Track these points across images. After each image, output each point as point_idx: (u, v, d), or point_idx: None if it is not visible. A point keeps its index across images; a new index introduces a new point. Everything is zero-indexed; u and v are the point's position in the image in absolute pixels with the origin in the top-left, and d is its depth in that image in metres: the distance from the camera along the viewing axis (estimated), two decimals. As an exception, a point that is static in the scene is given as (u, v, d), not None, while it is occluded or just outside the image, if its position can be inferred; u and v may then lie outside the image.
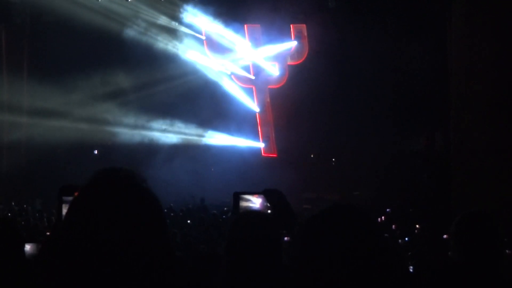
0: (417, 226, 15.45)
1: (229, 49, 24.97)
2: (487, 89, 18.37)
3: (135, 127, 24.89)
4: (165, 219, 1.95)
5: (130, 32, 23.78)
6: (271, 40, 24.51)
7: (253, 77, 25.17)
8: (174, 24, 24.54)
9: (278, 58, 24.87)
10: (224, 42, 24.79)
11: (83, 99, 24.16)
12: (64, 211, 3.01)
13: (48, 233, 12.94)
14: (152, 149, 24.38)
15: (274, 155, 24.94)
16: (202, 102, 24.54)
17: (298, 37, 24.56)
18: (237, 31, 24.49)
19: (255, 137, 25.16)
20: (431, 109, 21.97)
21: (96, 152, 25.37)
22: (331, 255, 2.03)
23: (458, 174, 19.18)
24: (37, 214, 17.82)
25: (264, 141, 25.18)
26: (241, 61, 25.10)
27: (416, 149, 22.51)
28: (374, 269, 2.02)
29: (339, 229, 2.07)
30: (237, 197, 3.72)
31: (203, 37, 24.93)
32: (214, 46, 24.99)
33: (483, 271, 3.57)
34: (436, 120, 21.98)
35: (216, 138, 25.12)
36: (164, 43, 24.52)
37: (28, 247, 4.12)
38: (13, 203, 20.53)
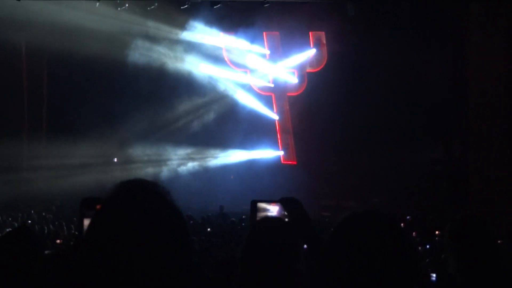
0: (437, 232, 15.37)
1: (248, 58, 25.00)
2: (504, 97, 18.31)
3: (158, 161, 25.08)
4: (188, 232, 1.95)
5: (136, 56, 23.91)
6: (290, 47, 24.52)
7: (272, 85, 25.17)
8: (184, 36, 24.53)
9: (297, 65, 24.87)
10: (243, 50, 24.83)
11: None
12: (86, 223, 3.03)
13: (67, 243, 13.00)
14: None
15: (293, 163, 24.90)
16: (223, 124, 24.72)
17: (317, 44, 24.54)
18: (256, 38, 24.51)
19: (275, 145, 25.14)
20: (449, 117, 21.89)
21: (116, 160, 25.44)
22: (360, 261, 2.07)
23: (477, 181, 19.10)
24: (56, 222, 17.89)
25: (283, 148, 25.14)
26: (260, 70, 25.12)
27: (435, 157, 22.41)
28: (404, 275, 2.06)
29: (370, 235, 2.11)
30: (254, 205, 3.73)
31: (222, 46, 24.99)
32: (233, 54, 25.03)
33: (480, 278, 3.59)
34: (455, 128, 21.89)
35: (236, 156, 25.13)
36: (174, 61, 24.58)
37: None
38: (32, 212, 20.60)
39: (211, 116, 25.20)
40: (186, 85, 24.56)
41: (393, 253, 2.08)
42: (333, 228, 2.21)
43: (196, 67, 24.77)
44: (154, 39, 24.42)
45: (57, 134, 23.75)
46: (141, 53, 24.18)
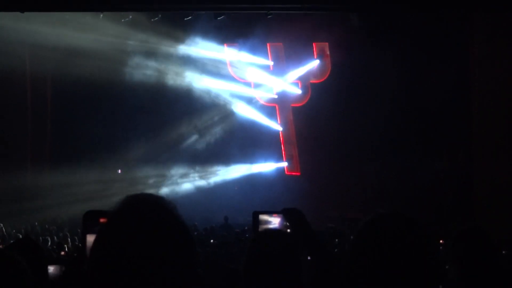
0: (441, 241, 15.35)
1: (252, 71, 25.02)
2: (509, 108, 18.30)
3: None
4: (194, 246, 1.95)
5: (138, 75, 23.97)
6: (294, 58, 24.54)
7: (275, 96, 25.18)
8: (186, 51, 24.53)
9: (301, 76, 24.88)
10: (247, 63, 24.84)
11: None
12: (88, 237, 3.02)
13: (71, 256, 12.98)
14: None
15: (297, 174, 24.88)
16: (226, 139, 24.83)
17: (321, 55, 24.54)
18: (259, 50, 24.52)
19: (278, 156, 25.11)
20: (453, 126, 21.87)
21: (119, 171, 25.42)
22: (385, 262, 2.12)
23: (481, 190, 19.09)
24: (60, 234, 17.91)
25: (287, 159, 25.12)
26: (265, 83, 25.13)
27: (439, 166, 22.37)
28: (427, 276, 2.13)
29: (394, 237, 2.17)
30: (256, 216, 3.73)
31: (227, 60, 25.02)
32: (237, 68, 25.05)
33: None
34: (459, 138, 21.88)
35: (239, 170, 25.11)
36: (177, 77, 24.62)
37: (51, 269, 4.12)
38: (36, 223, 20.61)
39: (215, 132, 25.18)
40: (188, 101, 24.57)
41: (417, 254, 2.13)
42: (359, 229, 2.25)
43: (199, 81, 24.78)
44: (156, 55, 24.44)
45: (60, 160, 23.83)
46: (143, 72, 24.20)
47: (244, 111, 25.16)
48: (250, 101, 25.27)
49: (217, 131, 25.16)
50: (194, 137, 25.24)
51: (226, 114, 25.34)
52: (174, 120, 24.70)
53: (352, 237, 2.33)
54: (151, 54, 24.36)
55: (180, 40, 24.01)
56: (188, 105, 24.58)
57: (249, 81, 25.20)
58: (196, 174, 25.25)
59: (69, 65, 22.69)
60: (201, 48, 24.36)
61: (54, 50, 22.36)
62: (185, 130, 25.11)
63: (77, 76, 22.67)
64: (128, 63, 24.00)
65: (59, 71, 23.38)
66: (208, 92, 24.90)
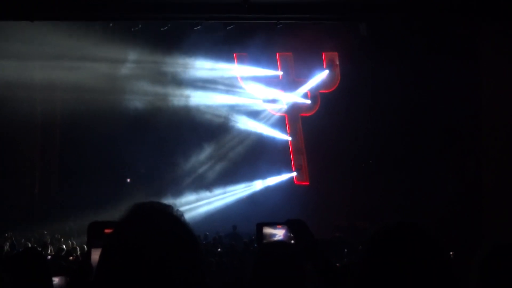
0: (451, 253, 15.31)
1: (261, 80, 25.02)
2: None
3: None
4: (202, 254, 1.95)
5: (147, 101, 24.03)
6: (303, 68, 24.54)
7: (285, 106, 25.19)
8: (194, 66, 24.55)
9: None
10: (257, 73, 24.86)
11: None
12: (93, 249, 3.03)
13: (76, 267, 13.01)
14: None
15: (306, 183, 24.86)
16: (238, 160, 24.81)
17: (330, 65, 24.54)
18: (269, 59, 24.54)
19: (288, 165, 25.08)
20: (462, 137, 21.81)
21: (128, 180, 25.45)
22: (398, 275, 2.11)
23: (490, 201, 19.02)
24: (69, 242, 17.96)
25: (296, 169, 25.11)
26: (274, 91, 25.14)
27: (448, 177, 22.30)
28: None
29: (407, 249, 2.17)
30: (260, 228, 3.74)
31: (237, 75, 25.04)
32: (248, 84, 25.06)
33: None
34: (468, 149, 21.80)
35: (252, 187, 25.04)
36: (185, 99, 24.62)
37: (56, 280, 4.12)
38: (45, 232, 20.67)
39: (227, 153, 25.14)
40: (196, 123, 24.56)
41: (430, 266, 2.14)
42: (369, 240, 2.25)
43: (209, 99, 24.78)
44: (163, 79, 24.49)
45: (68, 170, 23.92)
46: (148, 99, 24.24)
47: (254, 126, 25.12)
48: (259, 115, 25.19)
49: (229, 153, 25.08)
50: (207, 165, 25.08)
51: (236, 133, 25.29)
52: (184, 144, 24.59)
53: (361, 247, 2.33)
54: (156, 79, 24.42)
55: (186, 53, 24.02)
56: (196, 127, 24.49)
57: (259, 95, 25.15)
58: (211, 197, 25.02)
59: (77, 95, 22.79)
60: (210, 61, 24.41)
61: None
62: (195, 157, 24.99)
63: (84, 104, 22.80)
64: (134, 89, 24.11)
65: (68, 98, 23.44)
66: (216, 111, 24.87)
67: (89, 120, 23.12)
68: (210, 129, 24.90)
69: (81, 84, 22.42)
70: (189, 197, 24.63)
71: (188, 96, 24.56)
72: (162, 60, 24.04)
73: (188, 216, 1.93)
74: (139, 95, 24.07)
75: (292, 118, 25.19)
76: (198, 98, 24.66)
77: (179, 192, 24.53)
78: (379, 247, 2.21)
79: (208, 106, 24.73)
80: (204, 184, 25.03)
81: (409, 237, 2.20)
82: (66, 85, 22.66)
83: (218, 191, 24.87)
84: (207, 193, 24.90)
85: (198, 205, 24.41)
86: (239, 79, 25.10)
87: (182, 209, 1.94)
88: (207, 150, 24.96)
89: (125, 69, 23.65)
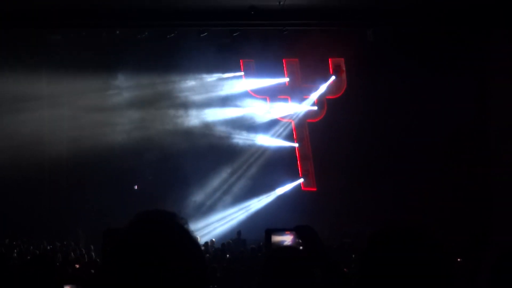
0: (458, 260, 15.27)
1: (268, 86, 24.98)
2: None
3: None
4: (205, 262, 1.95)
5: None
6: (310, 74, 24.48)
7: (292, 112, 25.15)
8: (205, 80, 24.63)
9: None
10: (263, 79, 24.83)
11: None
12: None
13: (87, 270, 13.03)
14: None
15: (313, 189, 24.81)
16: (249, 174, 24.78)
17: (337, 71, 24.48)
18: (275, 65, 24.50)
19: (295, 171, 25.03)
20: (471, 143, 21.77)
21: (136, 187, 25.43)
22: (396, 277, 2.12)
23: (499, 208, 18.99)
24: (77, 250, 17.98)
25: (303, 175, 25.05)
26: (280, 97, 25.10)
27: (456, 183, 22.25)
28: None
29: (404, 251, 2.16)
30: (269, 234, 3.75)
31: (242, 74, 25.01)
32: (253, 83, 25.04)
33: None
34: (477, 155, 21.75)
35: (266, 200, 24.91)
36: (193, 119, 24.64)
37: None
38: (53, 239, 20.70)
39: (240, 172, 25.13)
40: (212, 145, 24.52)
41: (429, 268, 2.13)
42: (368, 241, 2.26)
43: (215, 115, 24.79)
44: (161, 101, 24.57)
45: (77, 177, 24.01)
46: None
47: (263, 140, 25.11)
48: (267, 127, 25.12)
49: (241, 170, 25.05)
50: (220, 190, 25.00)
51: (246, 149, 25.25)
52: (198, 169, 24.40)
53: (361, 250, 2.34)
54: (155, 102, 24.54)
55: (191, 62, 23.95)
56: (211, 148, 24.42)
57: (266, 106, 25.10)
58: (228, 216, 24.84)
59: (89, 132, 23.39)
60: (216, 68, 24.43)
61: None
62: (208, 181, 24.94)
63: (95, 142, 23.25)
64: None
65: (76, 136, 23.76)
66: (223, 126, 24.89)
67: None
68: (222, 148, 24.83)
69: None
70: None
71: (193, 114, 24.59)
72: (163, 79, 24.22)
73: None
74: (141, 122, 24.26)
75: (299, 124, 25.15)
76: (205, 115, 24.69)
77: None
78: (375, 249, 2.22)
79: (215, 122, 24.69)
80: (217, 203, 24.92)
81: (402, 239, 2.20)
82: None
83: (232, 210, 24.69)
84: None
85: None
86: (248, 91, 25.00)
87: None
88: (220, 169, 24.85)
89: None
